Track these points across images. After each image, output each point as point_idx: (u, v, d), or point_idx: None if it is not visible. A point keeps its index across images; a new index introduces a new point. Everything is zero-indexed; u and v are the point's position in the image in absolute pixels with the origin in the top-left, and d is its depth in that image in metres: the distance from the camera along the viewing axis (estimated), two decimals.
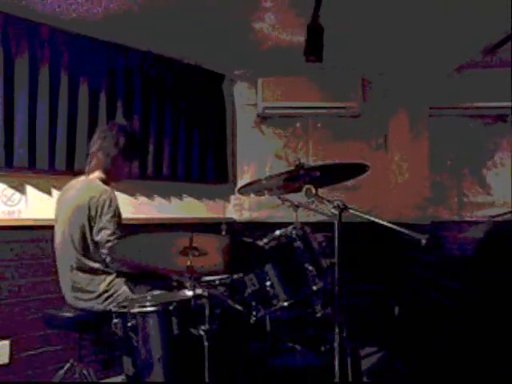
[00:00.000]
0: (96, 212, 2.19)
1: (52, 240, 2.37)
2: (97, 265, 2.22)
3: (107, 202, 2.20)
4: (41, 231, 2.71)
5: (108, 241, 2.15)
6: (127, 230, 2.21)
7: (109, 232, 2.17)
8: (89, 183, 2.33)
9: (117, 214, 2.22)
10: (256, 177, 3.39)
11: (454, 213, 3.78)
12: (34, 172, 2.72)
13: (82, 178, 2.39)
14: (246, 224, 3.67)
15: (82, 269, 2.21)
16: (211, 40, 3.13)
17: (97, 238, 2.19)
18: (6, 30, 2.59)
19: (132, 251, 1.82)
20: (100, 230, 2.18)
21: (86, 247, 2.21)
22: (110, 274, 2.25)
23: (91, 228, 2.20)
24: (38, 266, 2.73)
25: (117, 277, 2.25)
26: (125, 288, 2.24)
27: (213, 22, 2.87)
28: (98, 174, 2.35)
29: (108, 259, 2.18)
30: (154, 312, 1.77)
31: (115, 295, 2.21)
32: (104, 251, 2.18)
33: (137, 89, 3.16)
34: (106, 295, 2.21)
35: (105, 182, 2.35)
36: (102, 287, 2.21)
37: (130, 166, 2.58)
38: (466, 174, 3.81)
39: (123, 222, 2.37)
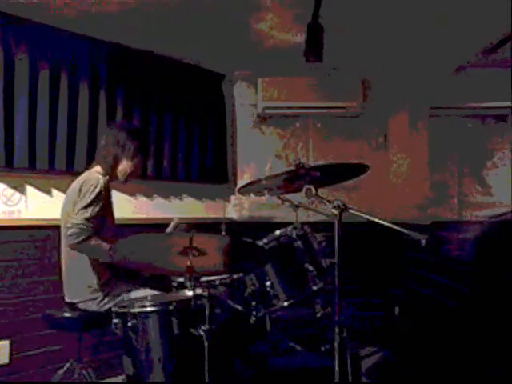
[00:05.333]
0: (79, 196, 2.15)
1: (52, 240, 2.36)
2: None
3: (91, 188, 2.15)
4: (41, 231, 2.72)
5: (72, 228, 2.10)
6: (127, 230, 2.20)
7: (75, 222, 2.11)
8: (85, 175, 2.29)
9: (92, 203, 2.14)
10: (256, 177, 3.37)
11: (454, 213, 3.77)
12: (34, 172, 2.72)
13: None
14: (246, 224, 3.67)
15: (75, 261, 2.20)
16: (211, 40, 3.13)
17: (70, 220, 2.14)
18: (6, 30, 2.59)
19: (132, 251, 1.81)
20: (73, 215, 2.13)
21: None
22: (106, 270, 2.23)
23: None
24: (38, 265, 2.73)
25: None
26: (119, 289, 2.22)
27: (213, 22, 2.87)
28: (97, 168, 2.34)
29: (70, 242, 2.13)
30: (154, 312, 1.77)
31: (110, 296, 2.19)
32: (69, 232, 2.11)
33: (137, 88, 3.16)
34: (100, 294, 2.19)
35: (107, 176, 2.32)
36: (96, 283, 2.20)
37: (141, 167, 2.52)
38: (465, 173, 3.81)
39: (123, 222, 2.37)
